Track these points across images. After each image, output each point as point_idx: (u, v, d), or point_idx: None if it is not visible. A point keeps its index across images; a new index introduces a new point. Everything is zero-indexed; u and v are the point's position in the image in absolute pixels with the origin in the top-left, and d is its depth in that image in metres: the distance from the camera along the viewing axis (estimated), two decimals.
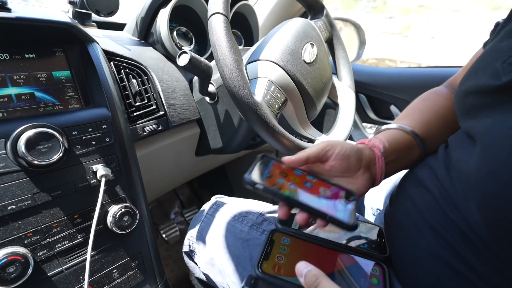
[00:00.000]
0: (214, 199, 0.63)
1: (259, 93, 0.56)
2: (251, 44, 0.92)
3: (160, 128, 0.64)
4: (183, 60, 0.57)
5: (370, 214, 0.75)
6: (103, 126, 0.51)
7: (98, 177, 0.48)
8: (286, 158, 0.40)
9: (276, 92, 0.57)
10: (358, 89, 1.03)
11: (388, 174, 0.46)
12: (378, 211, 0.71)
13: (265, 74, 0.58)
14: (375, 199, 0.74)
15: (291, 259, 0.38)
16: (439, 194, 0.38)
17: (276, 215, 0.57)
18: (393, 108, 0.98)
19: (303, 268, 0.31)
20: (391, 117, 1.01)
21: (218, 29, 0.50)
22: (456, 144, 0.41)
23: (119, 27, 0.87)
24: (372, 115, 1.05)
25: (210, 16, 0.51)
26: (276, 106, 0.57)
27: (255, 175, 0.38)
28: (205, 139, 0.76)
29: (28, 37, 0.50)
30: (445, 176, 0.38)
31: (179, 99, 0.69)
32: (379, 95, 0.99)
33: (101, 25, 0.80)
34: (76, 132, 0.49)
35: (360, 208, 0.80)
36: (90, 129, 0.50)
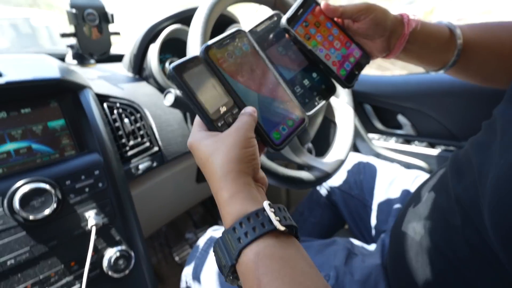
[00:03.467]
0: (209, 232, 0.63)
1: None
2: None
3: (155, 164, 0.65)
4: (168, 100, 0.58)
5: (376, 234, 0.72)
6: (95, 172, 0.54)
7: (88, 227, 0.50)
8: (325, 4, 0.44)
9: None
10: (363, 99, 1.00)
11: (409, 58, 0.47)
12: (384, 229, 0.68)
13: None
14: (380, 217, 0.71)
15: (238, 62, 0.37)
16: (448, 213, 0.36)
17: None
18: (400, 117, 0.93)
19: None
20: (399, 126, 0.97)
21: None
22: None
23: (119, 58, 0.90)
24: (379, 126, 1.01)
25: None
26: None
27: (290, 20, 0.43)
28: None
29: (22, 95, 0.53)
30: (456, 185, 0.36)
31: (174, 132, 0.70)
32: (385, 104, 0.95)
33: (100, 60, 0.84)
34: (69, 182, 0.51)
35: (366, 226, 0.78)
36: (83, 177, 0.52)
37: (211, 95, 0.34)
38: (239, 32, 0.38)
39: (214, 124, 0.33)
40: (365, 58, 0.47)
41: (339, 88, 0.78)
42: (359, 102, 1.02)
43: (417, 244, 0.42)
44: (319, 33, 0.44)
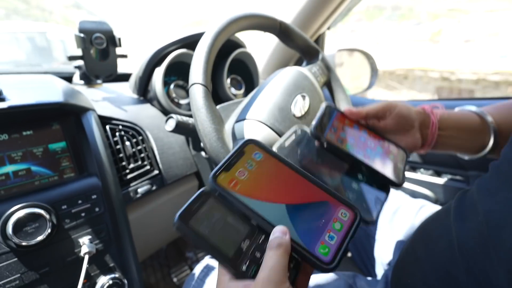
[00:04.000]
0: (206, 260, 0.62)
1: None
2: (253, 88, 0.92)
3: (154, 188, 0.65)
4: (169, 125, 0.58)
5: (380, 267, 0.70)
6: (92, 197, 0.53)
7: (81, 254, 0.49)
8: (348, 109, 0.45)
9: None
10: None
11: (446, 146, 0.47)
12: (388, 262, 0.66)
13: (251, 135, 0.57)
14: (384, 250, 0.69)
15: (254, 177, 0.33)
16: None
17: None
18: None
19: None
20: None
21: (197, 99, 0.50)
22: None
23: (126, 77, 0.91)
24: None
25: (190, 86, 0.52)
26: None
27: (319, 128, 0.43)
28: None
29: (25, 117, 0.53)
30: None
31: (175, 155, 0.70)
32: None
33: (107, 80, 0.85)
34: (65, 206, 0.50)
35: (369, 257, 0.75)
36: (80, 201, 0.52)
37: (228, 233, 0.30)
38: (247, 143, 0.35)
39: (238, 269, 0.28)
40: (404, 153, 0.45)
41: (341, 109, 0.77)
42: None
43: (419, 281, 0.40)
44: (350, 136, 0.44)
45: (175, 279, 1.14)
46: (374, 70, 1.12)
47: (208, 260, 0.61)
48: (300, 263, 0.30)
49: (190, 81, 0.52)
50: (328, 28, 0.98)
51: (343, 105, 0.77)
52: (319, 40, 1.00)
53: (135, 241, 0.58)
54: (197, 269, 0.60)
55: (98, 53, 0.68)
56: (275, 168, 0.34)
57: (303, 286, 0.30)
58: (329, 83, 0.78)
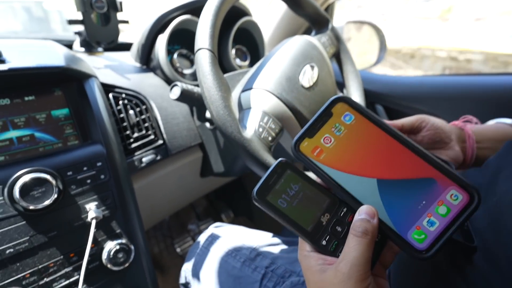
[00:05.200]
0: (211, 229, 0.62)
1: (251, 126, 0.54)
2: (258, 59, 0.89)
3: (158, 158, 0.64)
4: (174, 94, 0.56)
5: None
6: (97, 164, 0.53)
7: (88, 219, 0.49)
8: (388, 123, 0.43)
9: (270, 123, 0.55)
10: (376, 99, 0.97)
11: (483, 160, 0.43)
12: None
13: (258, 105, 0.56)
14: None
15: (342, 145, 0.29)
16: None
17: (271, 249, 0.56)
18: None
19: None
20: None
21: (204, 65, 0.49)
22: None
23: (127, 47, 0.88)
24: None
25: (196, 52, 0.50)
26: (270, 138, 0.54)
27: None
28: (208, 162, 0.75)
29: (26, 82, 0.52)
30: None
31: (179, 125, 0.69)
32: (398, 106, 0.92)
33: (108, 48, 0.82)
34: (71, 172, 0.50)
35: None
36: (85, 168, 0.52)
37: (307, 206, 0.28)
38: (337, 101, 0.30)
39: (318, 243, 0.27)
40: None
41: (350, 87, 0.75)
42: (370, 102, 0.99)
43: None
44: None
45: (178, 249, 1.16)
46: (383, 45, 1.09)
47: (212, 230, 0.62)
48: (385, 240, 0.28)
49: (196, 46, 0.50)
50: None
51: (352, 78, 0.75)
52: (328, 10, 0.96)
53: (140, 209, 0.59)
54: (202, 238, 0.61)
55: (99, 18, 0.65)
56: (369, 133, 0.29)
57: (388, 262, 0.28)
58: (338, 55, 0.75)
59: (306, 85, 0.60)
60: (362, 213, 0.26)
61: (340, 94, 0.31)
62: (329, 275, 0.25)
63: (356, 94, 0.74)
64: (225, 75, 0.64)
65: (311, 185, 0.29)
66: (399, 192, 0.27)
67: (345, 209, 0.28)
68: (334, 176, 0.28)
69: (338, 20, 1.03)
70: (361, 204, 0.27)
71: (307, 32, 0.96)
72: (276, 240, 0.58)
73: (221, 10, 0.53)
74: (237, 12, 0.81)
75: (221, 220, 1.35)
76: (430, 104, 0.85)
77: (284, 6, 0.89)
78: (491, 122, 0.51)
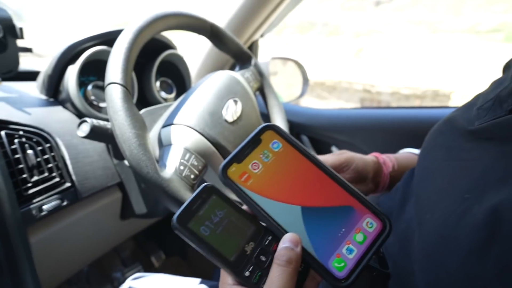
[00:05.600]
0: (128, 282, 0.55)
1: (171, 164, 0.50)
2: (184, 91, 0.88)
3: (65, 203, 0.56)
4: (83, 131, 0.50)
5: None
6: None
7: None
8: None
9: (192, 160, 0.52)
10: (301, 130, 1.03)
11: (394, 184, 0.48)
12: None
13: (179, 141, 0.53)
14: None
15: (269, 172, 0.29)
16: None
17: None
18: (334, 149, 0.98)
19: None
20: None
21: (114, 101, 0.45)
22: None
23: (32, 76, 0.78)
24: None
25: (106, 86, 0.46)
26: (192, 176, 0.52)
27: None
28: (129, 203, 0.68)
29: None
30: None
31: (93, 164, 0.62)
32: (321, 136, 0.98)
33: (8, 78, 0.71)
34: None
35: None
36: None
37: (231, 234, 0.27)
38: (266, 129, 0.30)
39: (241, 274, 0.26)
40: None
41: (275, 119, 0.78)
42: (296, 133, 1.04)
43: None
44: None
45: None
46: (305, 79, 1.18)
47: (130, 283, 0.55)
48: (309, 266, 0.27)
49: (107, 81, 0.46)
50: (262, 36, 0.99)
51: (276, 111, 0.78)
52: (253, 46, 1.00)
53: (43, 267, 0.50)
54: None
55: None
56: (295, 162, 0.30)
57: None
58: (262, 89, 0.78)
59: (230, 119, 0.60)
60: (286, 241, 0.26)
61: (269, 123, 0.31)
62: None
63: (281, 126, 0.77)
64: (146, 109, 0.61)
65: (237, 212, 0.28)
66: (321, 219, 0.28)
67: (270, 238, 0.28)
68: (260, 202, 0.28)
69: (265, 55, 1.09)
70: (285, 232, 0.27)
71: (233, 67, 0.98)
72: (204, 287, 0.54)
73: (137, 42, 0.50)
74: (161, 45, 0.79)
75: (150, 264, 1.22)
76: (348, 133, 0.93)
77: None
78: (402, 151, 0.57)
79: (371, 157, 0.49)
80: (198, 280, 0.56)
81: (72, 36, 0.66)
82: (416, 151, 0.55)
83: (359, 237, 0.27)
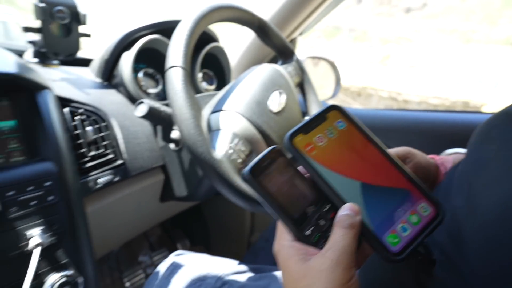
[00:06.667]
0: (171, 257, 0.58)
1: (221, 147, 0.53)
2: (224, 84, 0.90)
3: (116, 178, 0.59)
4: (141, 111, 0.54)
5: None
6: (46, 184, 0.47)
7: (30, 247, 0.42)
8: None
9: (240, 145, 0.54)
10: None
11: None
12: None
13: (228, 126, 0.56)
14: None
15: (332, 146, 0.30)
16: None
17: (238, 277, 0.53)
18: None
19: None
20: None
21: (176, 83, 0.48)
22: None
23: (86, 62, 0.83)
24: None
25: (167, 69, 0.49)
26: (239, 160, 0.54)
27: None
28: (170, 186, 0.71)
29: None
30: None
31: (141, 146, 0.65)
32: None
33: (65, 62, 0.77)
34: (13, 192, 0.44)
35: None
36: (30, 188, 0.45)
37: (294, 195, 0.29)
38: (331, 108, 0.32)
39: (301, 232, 0.28)
40: None
41: (312, 111, 0.79)
42: None
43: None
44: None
45: (127, 284, 1.05)
46: (338, 80, 1.18)
47: (174, 258, 0.57)
48: (360, 242, 0.28)
49: (168, 64, 0.49)
50: (301, 34, 1.01)
51: (314, 107, 0.79)
52: (293, 44, 1.02)
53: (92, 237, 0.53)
54: (162, 268, 0.56)
55: (60, 29, 0.61)
56: (357, 141, 0.31)
57: (358, 264, 0.29)
58: (301, 85, 0.79)
59: (275, 110, 0.61)
60: (347, 209, 0.27)
61: (335, 104, 0.33)
62: (315, 262, 0.25)
63: None
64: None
65: (299, 176, 0.30)
66: (379, 196, 0.29)
67: (328, 206, 0.29)
68: (322, 172, 0.29)
69: (298, 55, 1.10)
70: (344, 202, 0.28)
71: (272, 62, 1.00)
72: (242, 267, 0.56)
73: (196, 30, 0.53)
74: (206, 37, 0.82)
75: (176, 250, 1.26)
76: (383, 134, 0.93)
77: (252, 36, 0.93)
78: (449, 152, 0.56)
79: (429, 158, 0.47)
80: (236, 262, 0.58)
81: (128, 25, 0.71)
82: (463, 150, 0.54)
83: (414, 218, 0.29)
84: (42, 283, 0.45)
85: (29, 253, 0.43)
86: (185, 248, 1.26)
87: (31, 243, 0.42)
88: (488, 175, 0.33)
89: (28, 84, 0.50)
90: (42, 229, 0.45)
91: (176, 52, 0.49)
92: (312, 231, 0.28)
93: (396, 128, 0.92)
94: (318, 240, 0.28)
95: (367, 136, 0.32)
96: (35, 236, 0.43)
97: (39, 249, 0.42)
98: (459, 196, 0.37)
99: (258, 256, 1.05)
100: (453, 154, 0.52)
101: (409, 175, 0.31)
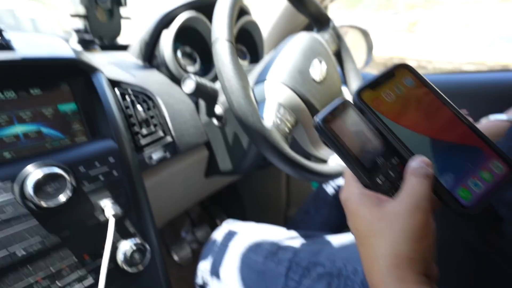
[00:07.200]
0: (226, 226, 0.61)
1: (269, 117, 0.54)
2: (257, 59, 0.90)
3: (168, 155, 0.62)
4: (188, 87, 0.55)
5: None
6: (109, 160, 0.50)
7: (106, 216, 0.46)
8: None
9: (286, 115, 0.55)
10: None
11: None
12: None
13: (273, 96, 0.56)
14: None
15: (401, 102, 0.30)
16: None
17: (291, 242, 0.55)
18: None
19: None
20: None
21: (223, 55, 0.48)
22: None
23: (122, 48, 0.86)
24: None
25: (213, 42, 0.50)
26: (287, 129, 0.54)
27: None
28: (214, 161, 0.74)
29: (33, 74, 0.49)
30: None
31: (186, 123, 0.68)
32: None
33: (104, 47, 0.80)
34: (83, 168, 0.48)
35: None
36: (97, 164, 0.49)
37: (364, 145, 0.29)
38: (400, 66, 0.32)
39: (373, 179, 0.28)
40: None
41: (352, 83, 0.77)
42: None
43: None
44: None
45: (175, 257, 1.12)
46: (370, 48, 1.13)
47: (228, 226, 0.60)
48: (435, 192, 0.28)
49: (214, 36, 0.50)
50: (332, 1, 0.97)
51: (353, 75, 0.78)
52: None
53: None
54: (218, 236, 0.59)
55: (106, 14, 0.63)
56: (426, 99, 0.31)
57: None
58: (338, 53, 0.77)
59: (317, 79, 0.61)
60: (418, 161, 0.27)
61: (404, 62, 0.33)
62: (391, 206, 0.25)
63: (355, 84, 0.77)
64: None
65: (369, 128, 0.30)
66: (449, 152, 0.29)
67: (397, 159, 0.30)
68: (391, 126, 0.29)
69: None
70: (413, 155, 0.29)
71: (308, 29, 0.98)
72: (294, 233, 0.58)
73: (237, 2, 0.53)
74: (239, 11, 0.81)
75: (215, 225, 1.32)
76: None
77: (284, 4, 0.91)
78: (485, 120, 0.53)
79: None
80: (286, 229, 0.60)
81: (164, 4, 0.71)
82: (504, 116, 0.51)
83: (486, 175, 0.28)
84: (116, 250, 0.49)
85: (105, 223, 0.47)
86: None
87: (107, 213, 0.46)
88: None
89: (85, 67, 0.53)
90: (112, 202, 0.48)
91: (221, 25, 0.50)
92: (384, 180, 0.28)
93: (460, 93, 0.87)
94: (389, 188, 0.28)
95: (437, 94, 0.31)
96: (108, 207, 0.47)
97: (114, 219, 0.46)
98: None
99: (298, 228, 1.08)
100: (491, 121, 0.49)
101: (481, 134, 0.30)
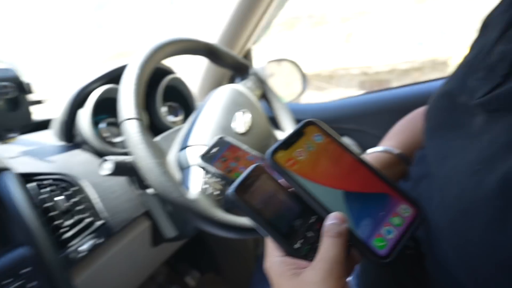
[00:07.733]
0: None
1: (195, 184, 0.52)
2: (191, 112, 0.90)
3: (100, 240, 0.58)
4: (107, 169, 0.52)
5: None
6: (23, 271, 0.45)
7: None
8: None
9: (213, 178, 0.54)
10: None
11: None
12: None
13: (197, 161, 0.55)
14: None
15: (312, 159, 0.31)
16: None
17: None
18: (345, 139, 0.98)
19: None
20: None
21: (132, 136, 0.47)
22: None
23: (45, 124, 0.81)
24: None
25: (121, 122, 0.48)
26: (216, 192, 0.53)
27: (207, 158, 0.46)
28: (158, 229, 0.70)
29: None
30: None
31: (119, 198, 0.64)
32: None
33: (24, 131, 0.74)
34: None
35: None
36: (8, 280, 0.44)
37: (280, 209, 0.30)
38: (308, 124, 0.33)
39: (291, 247, 0.28)
40: None
41: (282, 121, 0.79)
42: None
43: None
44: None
45: None
46: (303, 75, 1.18)
47: None
48: (348, 250, 0.29)
49: (121, 117, 0.48)
50: (255, 43, 1.01)
51: (282, 113, 0.80)
52: (248, 55, 1.02)
53: None
54: None
55: (7, 104, 0.60)
56: (335, 152, 0.32)
57: (347, 273, 0.29)
58: (264, 95, 0.79)
59: (242, 130, 0.61)
60: (333, 218, 0.28)
61: (310, 119, 0.34)
62: (307, 275, 0.26)
63: (289, 126, 0.78)
64: (159, 137, 0.62)
65: (284, 191, 0.31)
66: (361, 203, 0.30)
67: (314, 217, 0.30)
68: (305, 184, 0.30)
69: (261, 59, 1.10)
70: (330, 212, 0.29)
71: (232, 79, 1.00)
72: None
73: (142, 76, 0.52)
74: (161, 72, 0.81)
75: (186, 285, 1.24)
76: (355, 121, 0.94)
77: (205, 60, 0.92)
78: (369, 151, 0.54)
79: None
80: None
81: (78, 80, 0.69)
82: (381, 148, 0.51)
83: (396, 220, 0.29)
84: None
85: None
86: (195, 279, 1.24)
87: None
88: (447, 164, 0.33)
89: None
90: None
91: (126, 104, 0.49)
92: (301, 244, 0.29)
93: (369, 112, 0.93)
94: (308, 252, 0.28)
95: (343, 147, 0.33)
96: None
97: None
98: (425, 186, 0.37)
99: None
100: (369, 154, 0.52)
101: (386, 179, 0.32)
